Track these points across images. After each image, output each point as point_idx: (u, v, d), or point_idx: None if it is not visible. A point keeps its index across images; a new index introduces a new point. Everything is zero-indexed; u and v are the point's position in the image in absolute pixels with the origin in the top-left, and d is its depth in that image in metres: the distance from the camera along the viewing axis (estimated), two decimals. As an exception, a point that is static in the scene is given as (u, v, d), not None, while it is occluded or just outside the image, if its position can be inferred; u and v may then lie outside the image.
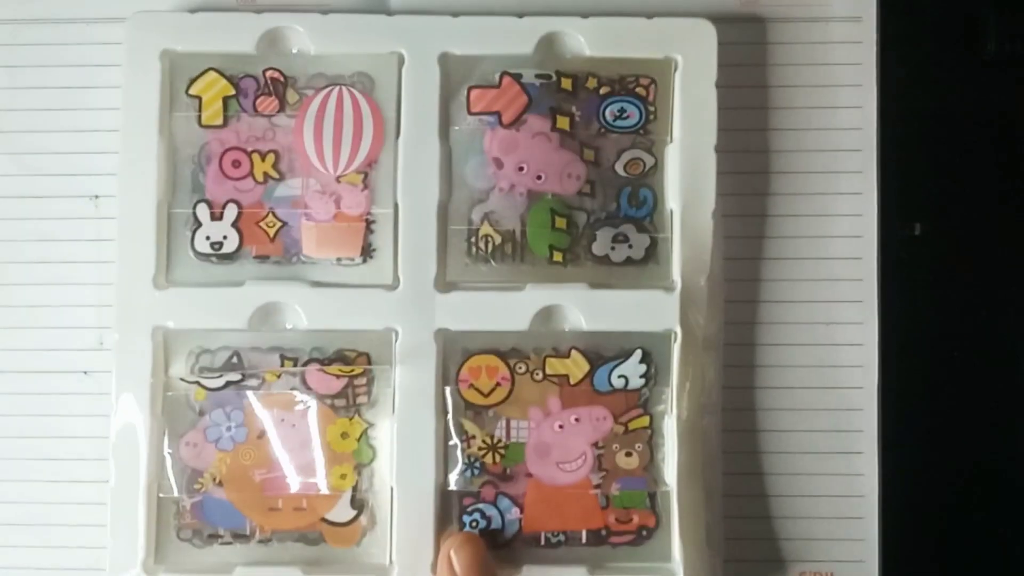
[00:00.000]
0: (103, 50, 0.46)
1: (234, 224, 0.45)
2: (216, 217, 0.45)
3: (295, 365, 0.44)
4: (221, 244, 0.45)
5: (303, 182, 0.45)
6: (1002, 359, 0.47)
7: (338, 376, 0.44)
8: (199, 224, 0.45)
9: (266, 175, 0.45)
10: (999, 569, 0.47)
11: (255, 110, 0.45)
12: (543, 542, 0.44)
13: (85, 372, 0.46)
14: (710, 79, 0.45)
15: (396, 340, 0.44)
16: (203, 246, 0.45)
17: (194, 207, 0.45)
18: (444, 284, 0.44)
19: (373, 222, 0.44)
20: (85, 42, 0.46)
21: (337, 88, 0.45)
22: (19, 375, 0.46)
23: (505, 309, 0.44)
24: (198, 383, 0.44)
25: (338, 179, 0.45)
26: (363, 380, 0.44)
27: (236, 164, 0.45)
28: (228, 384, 0.44)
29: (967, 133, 0.47)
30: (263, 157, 0.45)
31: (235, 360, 0.44)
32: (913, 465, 0.46)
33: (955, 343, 0.47)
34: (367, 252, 0.44)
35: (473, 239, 0.45)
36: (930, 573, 0.46)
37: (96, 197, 0.46)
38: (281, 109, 0.45)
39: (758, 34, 0.47)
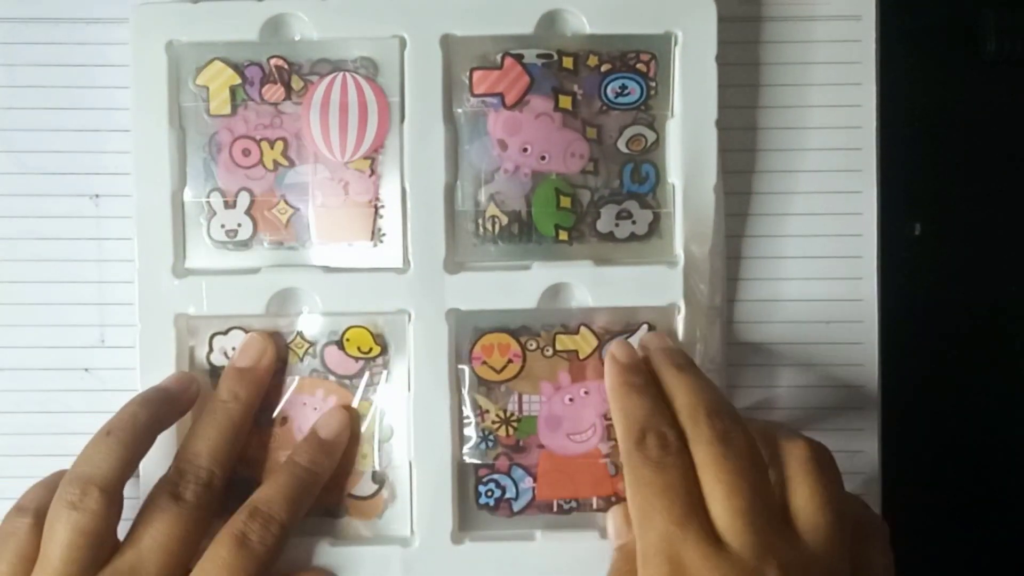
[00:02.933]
0: (103, 50, 0.47)
1: (247, 212, 0.46)
2: (229, 205, 0.46)
3: (313, 348, 0.46)
4: (236, 232, 0.46)
5: (312, 168, 0.46)
6: (1002, 358, 0.48)
7: (356, 359, 0.46)
8: (213, 212, 0.46)
9: (276, 163, 0.46)
10: (1000, 567, 0.48)
11: (261, 98, 0.46)
12: (556, 509, 0.46)
13: (86, 369, 0.47)
14: (710, 53, 0.45)
15: (409, 321, 0.45)
16: (219, 234, 0.46)
17: (208, 196, 0.46)
18: (453, 265, 0.45)
19: (382, 207, 0.45)
20: (84, 42, 0.47)
21: (341, 74, 0.45)
22: (20, 372, 0.47)
23: (513, 288, 0.45)
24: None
25: (346, 165, 0.45)
26: (379, 360, 0.46)
27: (246, 152, 0.46)
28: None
29: (967, 133, 0.47)
30: (272, 145, 0.46)
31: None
32: (913, 463, 0.47)
33: (955, 342, 0.48)
34: (377, 236, 0.46)
35: (480, 220, 0.46)
36: (932, 571, 0.48)
37: (96, 196, 0.47)
38: (287, 96, 0.45)
39: (757, 32, 0.47)
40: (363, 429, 0.46)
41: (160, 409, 0.43)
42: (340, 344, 0.45)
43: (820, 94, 0.47)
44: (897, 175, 0.47)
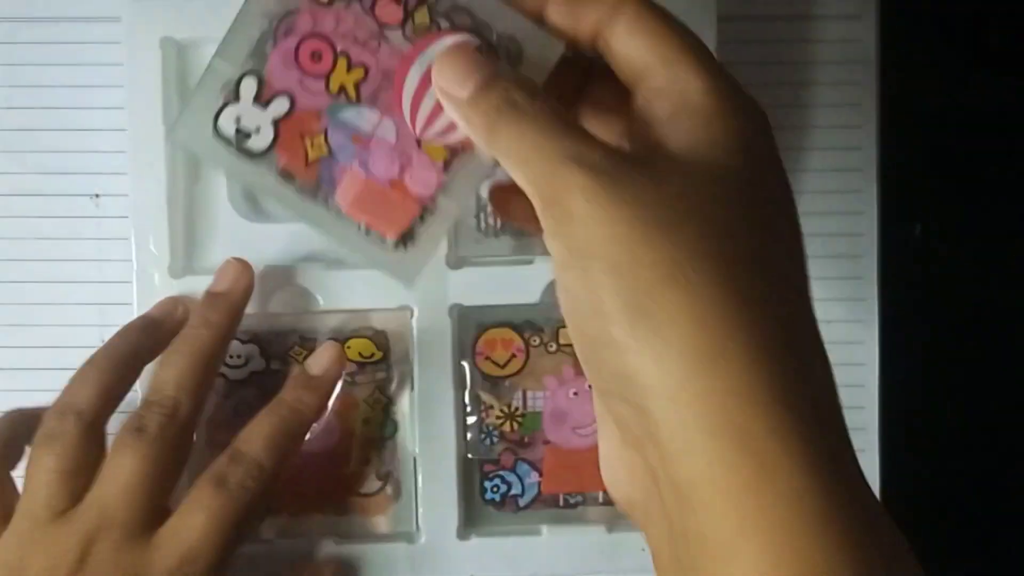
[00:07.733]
0: (102, 48, 0.46)
1: (276, 121, 0.36)
2: (261, 100, 0.36)
3: (314, 346, 0.45)
4: (250, 135, 0.36)
5: (379, 121, 0.36)
6: (1002, 357, 0.48)
7: (360, 363, 0.45)
8: (237, 99, 0.36)
9: (342, 88, 0.36)
10: (1000, 566, 0.48)
11: (373, 10, 0.35)
12: (562, 503, 0.46)
13: None
14: (710, 43, 0.44)
15: (412, 317, 0.45)
16: (227, 127, 0.36)
17: (240, 77, 0.35)
18: (456, 260, 0.45)
19: (428, 213, 0.36)
20: (84, 40, 0.46)
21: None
22: (21, 372, 0.47)
23: (516, 283, 0.45)
24: (223, 375, 0.45)
25: (419, 143, 0.36)
26: (380, 364, 0.45)
27: (316, 56, 0.36)
28: (252, 375, 0.45)
29: (968, 133, 0.48)
30: (350, 66, 0.36)
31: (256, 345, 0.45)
32: (914, 462, 0.47)
33: (955, 342, 0.48)
34: (405, 239, 0.37)
35: (482, 215, 0.46)
36: (932, 570, 0.48)
37: (97, 196, 0.47)
38: (403, 24, 0.35)
39: (756, 32, 0.47)
40: (366, 427, 0.46)
41: (142, 337, 0.42)
42: (340, 341, 0.45)
43: (820, 93, 0.47)
44: (897, 175, 0.47)
